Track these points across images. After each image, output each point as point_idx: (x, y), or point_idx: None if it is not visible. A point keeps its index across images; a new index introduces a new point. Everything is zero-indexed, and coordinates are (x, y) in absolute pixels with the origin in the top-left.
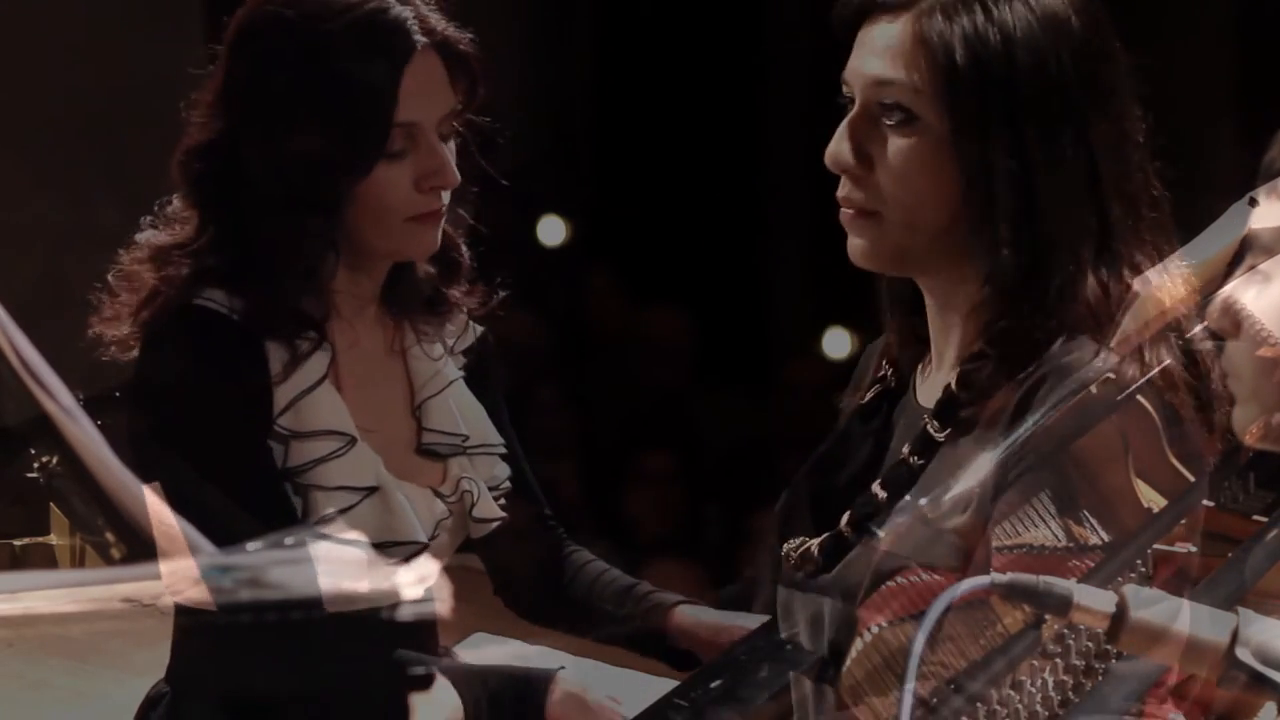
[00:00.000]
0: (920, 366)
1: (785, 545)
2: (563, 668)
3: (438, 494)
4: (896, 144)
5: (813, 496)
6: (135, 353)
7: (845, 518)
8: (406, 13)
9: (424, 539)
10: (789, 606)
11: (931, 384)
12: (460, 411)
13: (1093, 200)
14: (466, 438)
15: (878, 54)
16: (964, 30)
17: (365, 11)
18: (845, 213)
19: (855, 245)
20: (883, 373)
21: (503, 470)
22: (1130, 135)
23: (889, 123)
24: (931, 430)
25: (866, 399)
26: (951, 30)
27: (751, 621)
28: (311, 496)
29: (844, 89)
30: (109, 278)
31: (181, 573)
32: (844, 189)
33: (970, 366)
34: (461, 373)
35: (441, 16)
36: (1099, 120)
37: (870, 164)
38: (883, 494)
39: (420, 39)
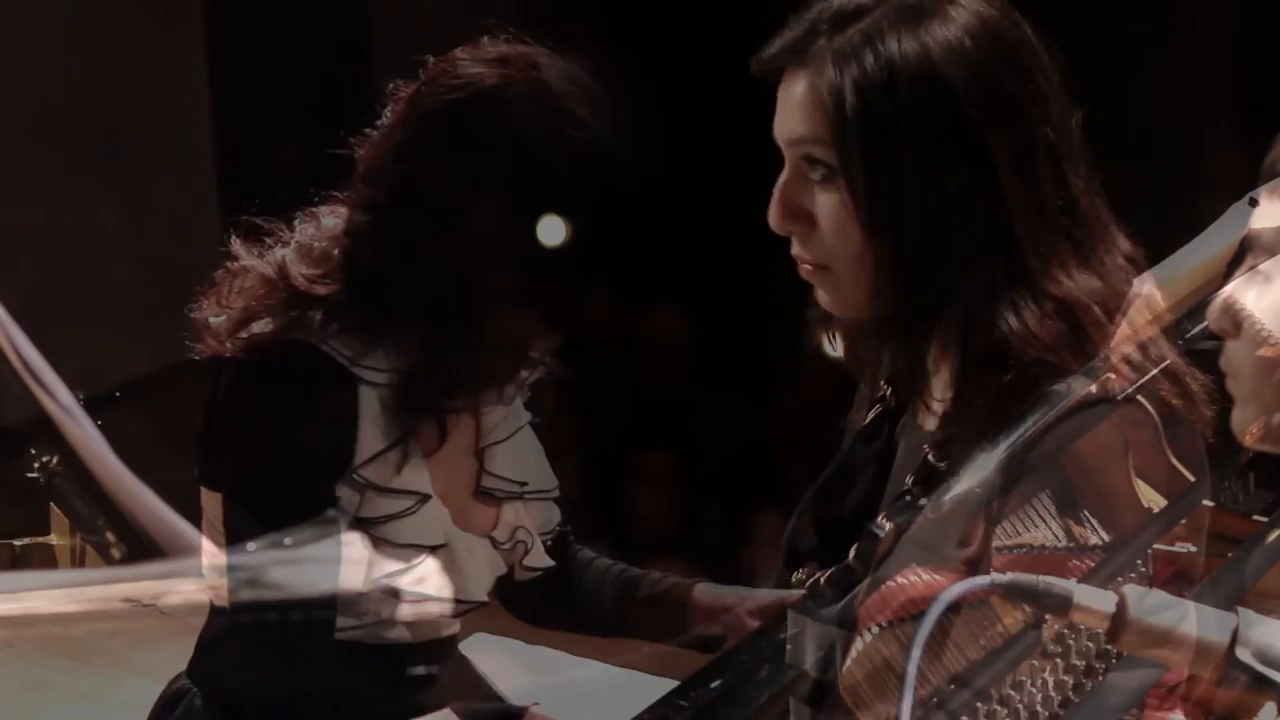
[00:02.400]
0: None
1: (794, 575)
2: (536, 703)
3: (494, 542)
4: (821, 199)
5: (819, 523)
6: (222, 349)
7: (853, 551)
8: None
9: (484, 599)
10: (799, 636)
11: (927, 404)
12: (523, 456)
13: (996, 223)
14: (526, 484)
15: (790, 111)
16: (853, 76)
17: (594, 154)
18: (803, 269)
19: (821, 298)
20: (882, 392)
21: (555, 515)
22: (1036, 146)
23: (814, 178)
24: (932, 460)
25: (868, 420)
26: (841, 78)
27: (772, 596)
28: (382, 549)
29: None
30: (220, 273)
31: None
32: (795, 247)
33: (961, 400)
34: (530, 416)
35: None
36: (997, 139)
37: (811, 221)
38: (888, 525)
39: None
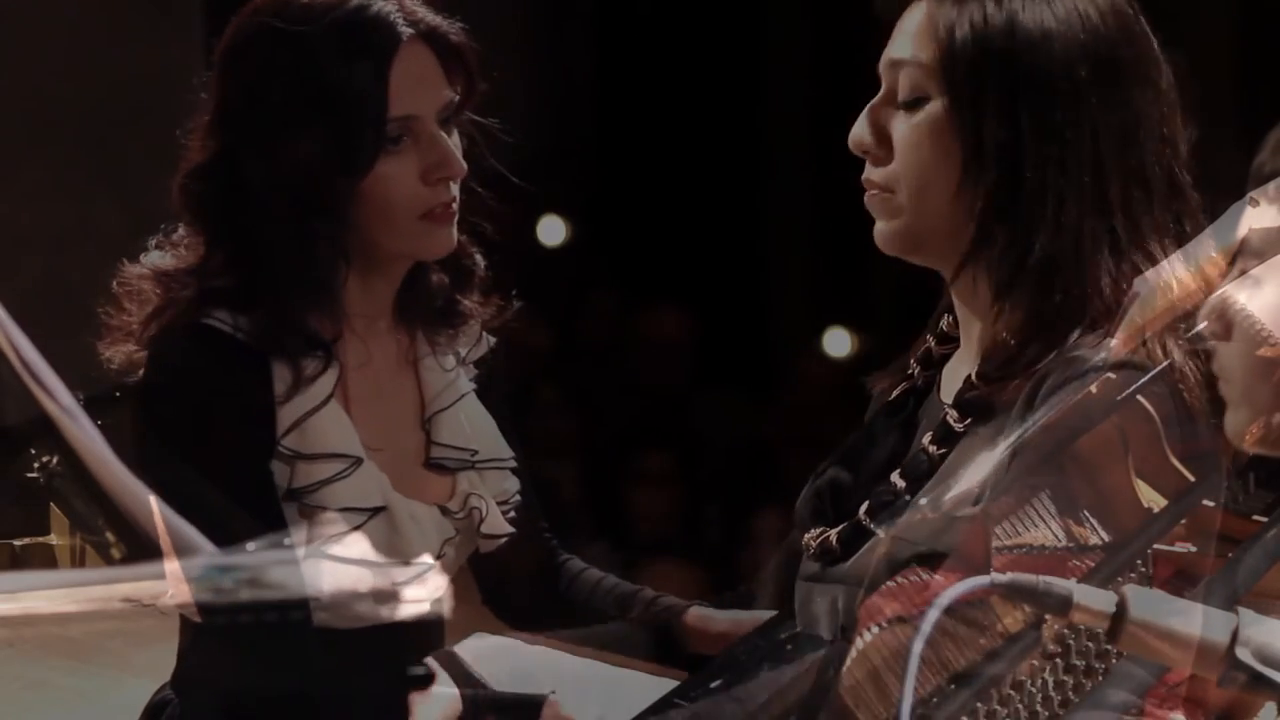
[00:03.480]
0: (947, 366)
1: (805, 535)
2: (553, 692)
3: (445, 510)
4: (905, 123)
5: (834, 488)
6: (140, 373)
7: (864, 507)
8: (389, 6)
9: (431, 560)
10: (807, 600)
11: (954, 378)
12: (471, 425)
13: (1095, 185)
14: (475, 452)
15: (899, 37)
16: (970, 12)
17: (347, 10)
18: (869, 195)
19: (877, 229)
20: (911, 370)
21: (512, 484)
22: (1144, 120)
23: (901, 102)
24: (951, 420)
25: (894, 395)
26: (960, 10)
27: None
28: (318, 517)
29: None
30: (114, 290)
31: (183, 578)
32: (866, 170)
33: (988, 359)
34: (474, 385)
35: (429, 9)
36: (1106, 105)
37: (889, 145)
38: (901, 483)
39: (405, 30)
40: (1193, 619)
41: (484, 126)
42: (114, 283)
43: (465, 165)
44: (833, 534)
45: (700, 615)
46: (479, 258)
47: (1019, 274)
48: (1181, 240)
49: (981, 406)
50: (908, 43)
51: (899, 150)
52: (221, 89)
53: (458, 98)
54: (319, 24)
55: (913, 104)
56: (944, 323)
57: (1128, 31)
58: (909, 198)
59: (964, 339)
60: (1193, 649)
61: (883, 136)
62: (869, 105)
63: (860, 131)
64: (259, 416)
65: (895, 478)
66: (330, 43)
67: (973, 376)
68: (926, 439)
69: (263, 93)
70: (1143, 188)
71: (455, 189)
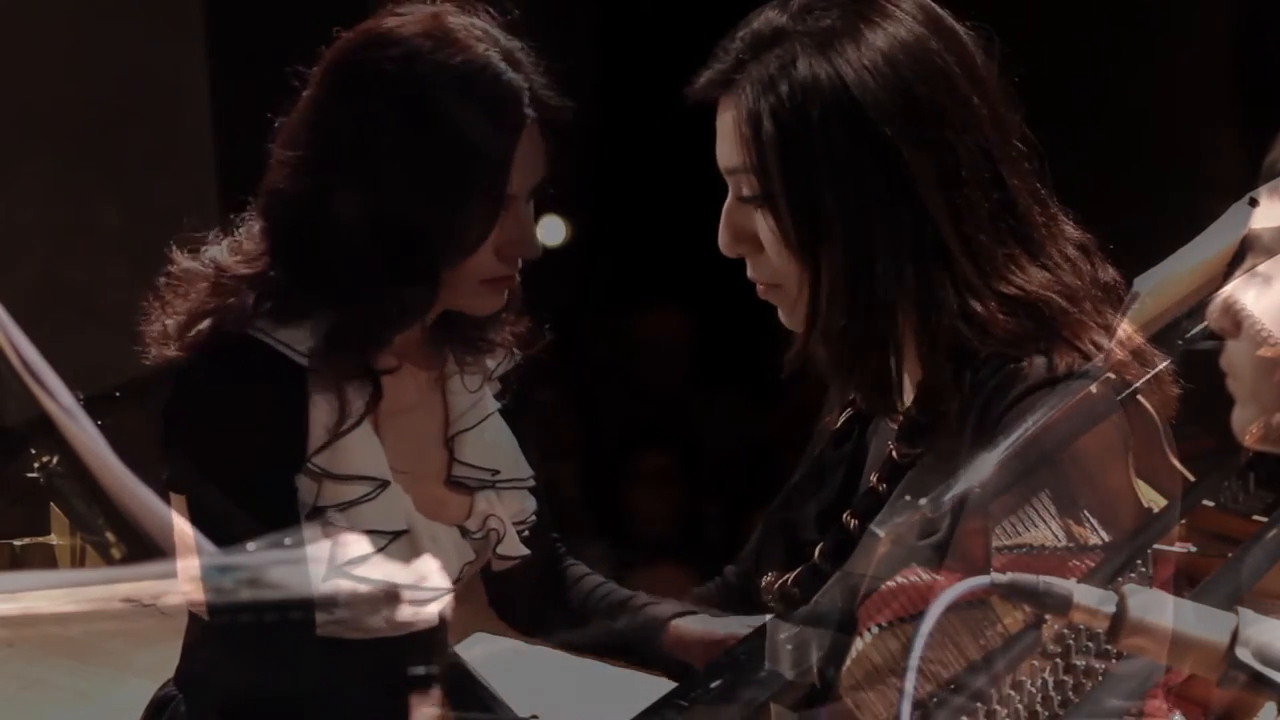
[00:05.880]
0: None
1: (763, 580)
2: (535, 717)
3: (464, 531)
4: (760, 222)
5: (786, 527)
6: (174, 354)
7: (818, 549)
8: (520, 82)
9: (449, 585)
10: (774, 639)
11: (895, 409)
12: (494, 445)
13: (924, 231)
14: (497, 472)
15: (722, 141)
16: (769, 103)
17: (483, 79)
18: (759, 289)
19: (781, 315)
20: (853, 395)
21: (530, 504)
22: (965, 154)
23: (750, 204)
24: (895, 456)
25: (839, 423)
26: (758, 105)
27: (745, 626)
28: (341, 537)
29: None
30: (161, 281)
31: (194, 576)
32: (749, 269)
33: (920, 398)
34: (498, 403)
35: (548, 86)
36: (916, 154)
37: (758, 243)
38: (854, 523)
39: (529, 113)
40: (1193, 619)
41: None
42: (163, 273)
43: (541, 249)
44: (789, 578)
45: (681, 627)
46: (517, 281)
47: (892, 334)
48: (1039, 257)
49: (924, 436)
50: (727, 149)
51: (767, 248)
52: (328, 118)
53: (548, 174)
54: (451, 86)
55: (757, 204)
56: None
57: (926, 71)
58: (795, 287)
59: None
60: (1193, 649)
61: (747, 237)
62: (725, 209)
63: (726, 240)
64: (292, 431)
65: (848, 518)
66: (463, 109)
67: (912, 410)
68: (874, 477)
69: (381, 144)
70: (975, 219)
71: (520, 263)
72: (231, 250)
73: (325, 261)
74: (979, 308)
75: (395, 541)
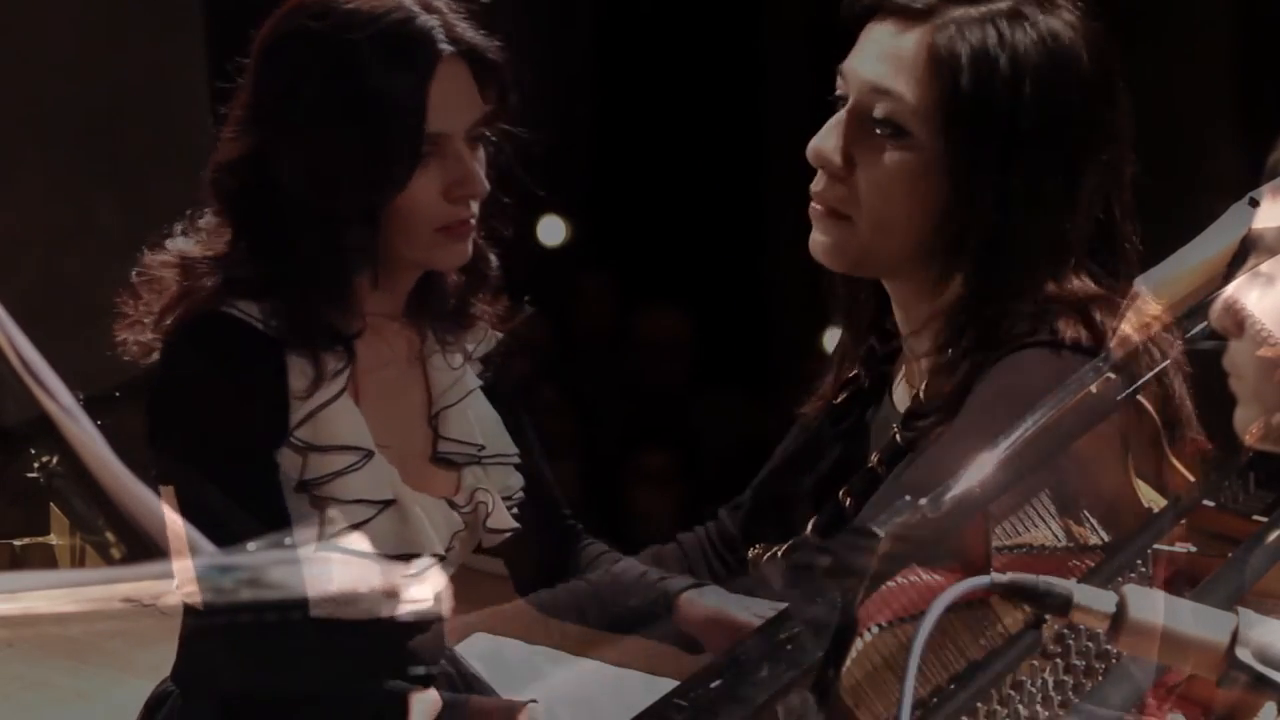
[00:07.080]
0: (897, 366)
1: (750, 550)
2: (533, 700)
3: (452, 504)
4: (884, 154)
5: (778, 500)
6: (155, 356)
7: (810, 524)
8: (432, 21)
9: (440, 552)
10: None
11: (905, 386)
12: (477, 421)
13: (1065, 236)
14: (482, 447)
15: (881, 59)
16: (974, 53)
17: (390, 21)
18: (815, 208)
19: (819, 242)
20: (855, 372)
21: (516, 480)
22: (1119, 179)
23: (879, 131)
24: (900, 439)
25: (839, 400)
26: (962, 53)
27: (745, 608)
28: (328, 509)
29: (838, 83)
30: (133, 279)
31: (191, 573)
32: (819, 184)
33: (935, 379)
34: (480, 381)
35: (469, 24)
36: (1092, 162)
37: (852, 166)
38: (848, 501)
39: (446, 47)
40: (1193, 619)
41: (510, 133)
42: (134, 272)
43: (487, 185)
44: (779, 550)
45: (689, 602)
46: (494, 261)
47: (980, 303)
48: (1097, 274)
49: (926, 425)
50: (888, 70)
51: (873, 179)
52: (257, 84)
53: (489, 114)
54: (363, 33)
55: (892, 136)
56: (887, 322)
57: (1114, 82)
58: (873, 225)
59: (909, 345)
60: (1193, 649)
61: (845, 156)
62: (836, 119)
63: (825, 147)
64: (273, 406)
65: (842, 495)
66: (372, 53)
67: (920, 394)
68: (875, 457)
69: (300, 94)
70: (1110, 243)
71: (475, 206)
72: (193, 237)
73: (273, 222)
74: (1039, 300)
75: (384, 512)
